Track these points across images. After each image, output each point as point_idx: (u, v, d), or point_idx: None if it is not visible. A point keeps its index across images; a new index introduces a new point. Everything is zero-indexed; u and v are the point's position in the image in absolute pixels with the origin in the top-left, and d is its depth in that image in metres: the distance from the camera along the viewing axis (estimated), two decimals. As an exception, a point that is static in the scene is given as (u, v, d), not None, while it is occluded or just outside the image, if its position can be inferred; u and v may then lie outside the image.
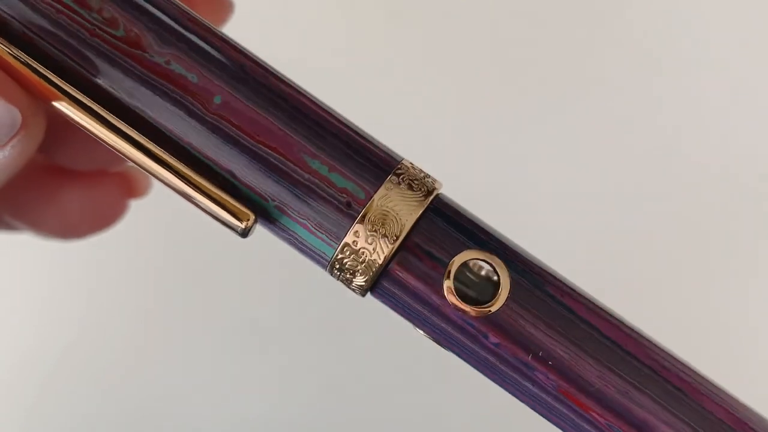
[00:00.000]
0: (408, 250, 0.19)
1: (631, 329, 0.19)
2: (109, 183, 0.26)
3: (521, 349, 0.19)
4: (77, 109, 0.19)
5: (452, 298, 0.19)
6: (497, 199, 0.36)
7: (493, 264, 0.18)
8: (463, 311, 0.19)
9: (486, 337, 0.19)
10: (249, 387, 0.39)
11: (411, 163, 0.19)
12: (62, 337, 0.39)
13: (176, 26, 0.19)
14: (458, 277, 0.19)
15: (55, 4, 0.19)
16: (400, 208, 0.18)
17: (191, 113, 0.19)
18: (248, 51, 0.19)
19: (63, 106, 0.19)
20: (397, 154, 0.19)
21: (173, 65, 0.18)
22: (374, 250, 0.18)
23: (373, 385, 0.40)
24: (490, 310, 0.19)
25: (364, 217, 0.18)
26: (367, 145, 0.19)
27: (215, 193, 0.19)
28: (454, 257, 0.19)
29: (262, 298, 0.40)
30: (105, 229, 0.26)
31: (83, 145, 0.25)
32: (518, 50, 0.42)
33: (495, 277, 0.19)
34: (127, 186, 0.27)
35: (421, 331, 0.20)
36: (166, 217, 0.35)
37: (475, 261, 0.19)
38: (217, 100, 0.18)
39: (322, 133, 0.19)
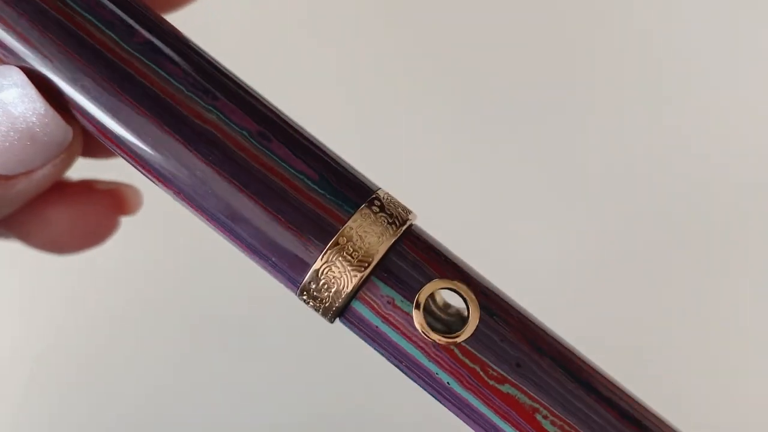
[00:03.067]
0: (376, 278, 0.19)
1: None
2: (99, 200, 0.26)
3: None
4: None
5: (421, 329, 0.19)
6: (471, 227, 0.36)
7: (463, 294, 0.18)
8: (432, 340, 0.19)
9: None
10: (241, 390, 0.40)
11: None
12: (47, 338, 0.40)
13: None
14: (427, 308, 0.19)
15: None
16: (371, 238, 0.18)
17: None
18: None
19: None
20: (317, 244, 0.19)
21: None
22: (341, 278, 0.18)
23: (368, 388, 0.40)
24: (456, 341, 0.19)
25: (336, 244, 0.18)
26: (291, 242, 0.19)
27: None
28: (423, 287, 0.19)
29: (251, 299, 0.40)
30: (95, 245, 0.27)
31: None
32: (499, 70, 0.41)
33: (465, 311, 0.19)
34: (117, 203, 0.27)
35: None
36: (155, 219, 0.35)
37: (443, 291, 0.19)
38: None
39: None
